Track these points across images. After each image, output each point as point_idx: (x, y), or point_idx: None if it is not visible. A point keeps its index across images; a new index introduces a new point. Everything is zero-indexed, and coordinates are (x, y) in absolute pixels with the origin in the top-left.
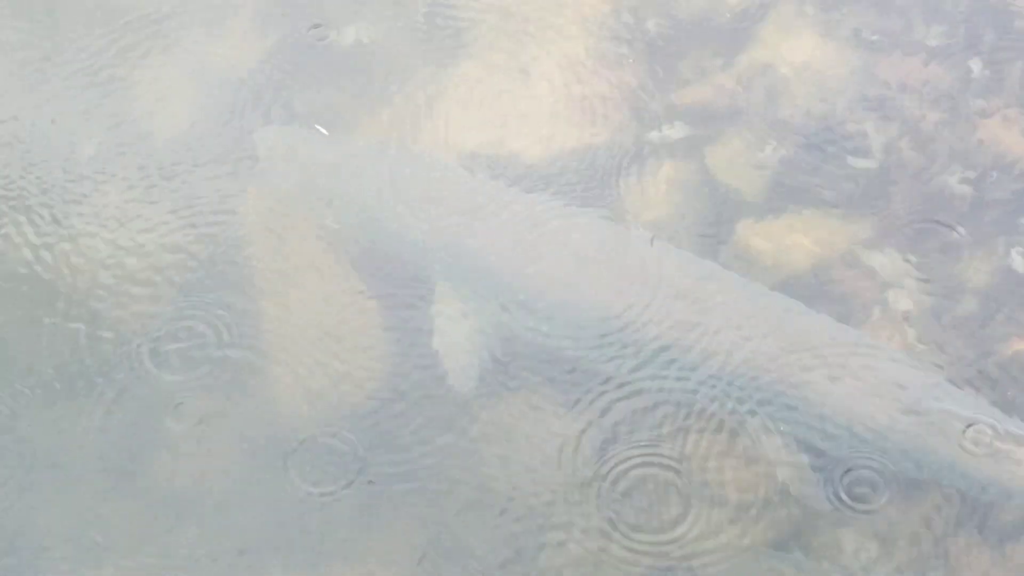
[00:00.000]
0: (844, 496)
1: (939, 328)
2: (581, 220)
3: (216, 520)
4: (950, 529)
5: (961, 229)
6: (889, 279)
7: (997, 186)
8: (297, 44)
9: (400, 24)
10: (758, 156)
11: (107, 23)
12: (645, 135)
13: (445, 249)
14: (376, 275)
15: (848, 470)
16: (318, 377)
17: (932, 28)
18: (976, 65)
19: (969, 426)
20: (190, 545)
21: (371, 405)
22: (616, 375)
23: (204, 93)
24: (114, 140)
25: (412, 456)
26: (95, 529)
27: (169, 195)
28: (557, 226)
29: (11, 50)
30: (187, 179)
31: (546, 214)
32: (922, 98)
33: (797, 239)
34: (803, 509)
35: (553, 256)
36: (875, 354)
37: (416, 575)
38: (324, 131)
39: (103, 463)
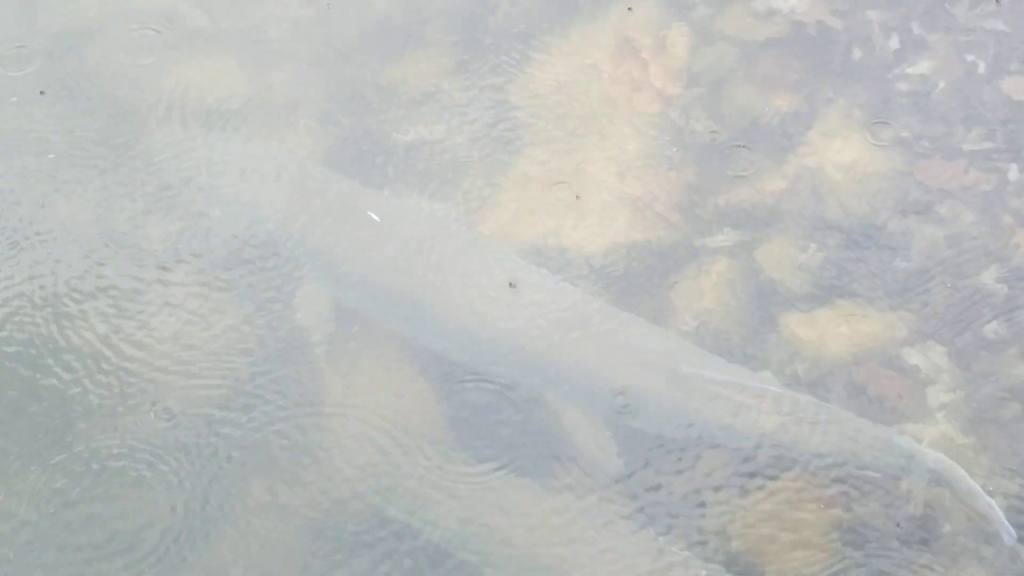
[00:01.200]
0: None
1: (978, 422)
2: None
3: None
4: None
5: (998, 327)
6: (928, 374)
7: None
8: (358, 139)
9: (458, 123)
10: (804, 253)
11: (173, 117)
12: (694, 232)
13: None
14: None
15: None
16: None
17: (971, 133)
18: (1013, 170)
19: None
20: None
21: None
22: None
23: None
24: (180, 229)
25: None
26: None
27: (231, 283)
28: None
29: (84, 146)
30: (251, 268)
31: None
32: (960, 201)
33: (839, 331)
34: None
35: None
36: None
37: None
38: (376, 217)
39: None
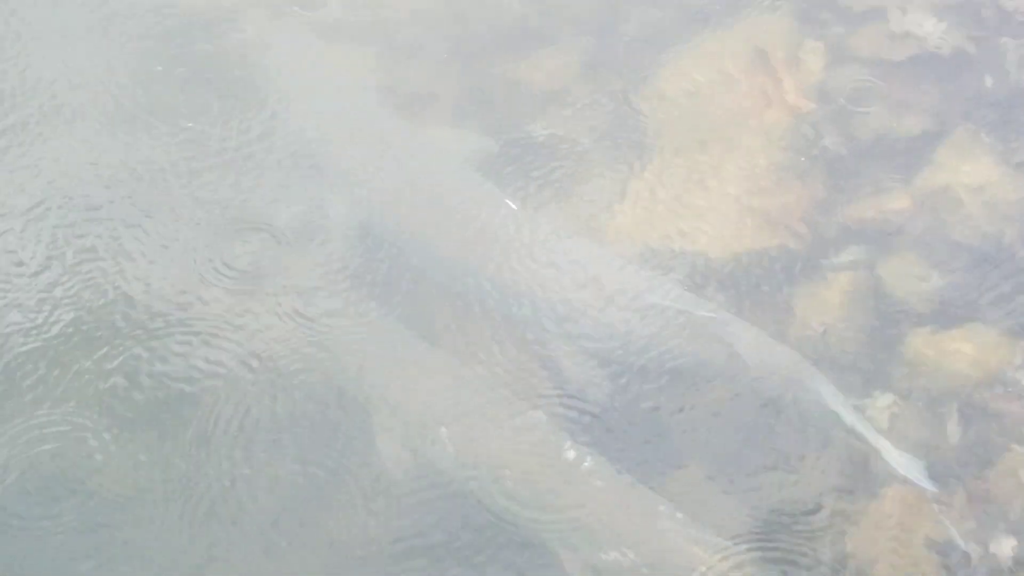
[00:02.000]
0: None
1: None
2: None
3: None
4: None
5: None
6: None
7: None
8: (485, 134)
9: (585, 125)
10: (928, 272)
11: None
12: (819, 245)
13: None
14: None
15: None
16: None
17: None
18: None
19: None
20: None
21: None
22: None
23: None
24: (307, 209)
25: None
26: None
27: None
28: None
29: (221, 135)
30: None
31: None
32: None
33: (961, 349)
34: None
35: None
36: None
37: None
38: (513, 205)
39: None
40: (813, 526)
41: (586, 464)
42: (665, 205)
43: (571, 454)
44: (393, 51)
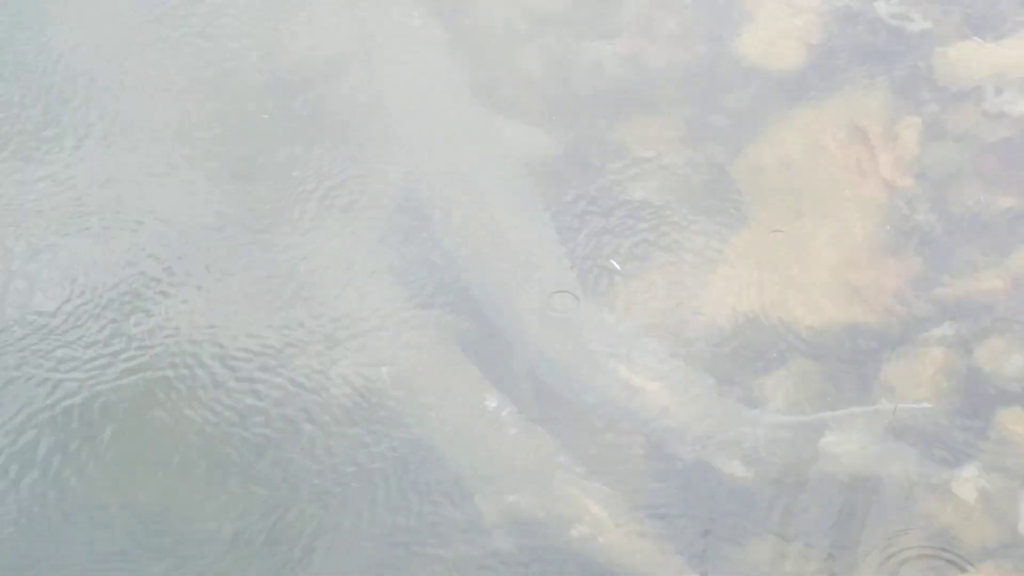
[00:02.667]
0: None
1: None
2: None
3: None
4: None
5: None
6: None
7: None
8: (579, 195)
9: (684, 192)
10: (1021, 351)
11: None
12: (912, 320)
13: None
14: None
15: None
16: None
17: None
18: None
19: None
20: None
21: None
22: None
23: None
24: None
25: None
26: None
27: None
28: None
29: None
30: None
31: None
32: None
33: None
34: None
35: None
36: None
37: None
38: (617, 266)
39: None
40: None
41: (504, 413)
42: (758, 274)
43: (492, 403)
44: (492, 109)
